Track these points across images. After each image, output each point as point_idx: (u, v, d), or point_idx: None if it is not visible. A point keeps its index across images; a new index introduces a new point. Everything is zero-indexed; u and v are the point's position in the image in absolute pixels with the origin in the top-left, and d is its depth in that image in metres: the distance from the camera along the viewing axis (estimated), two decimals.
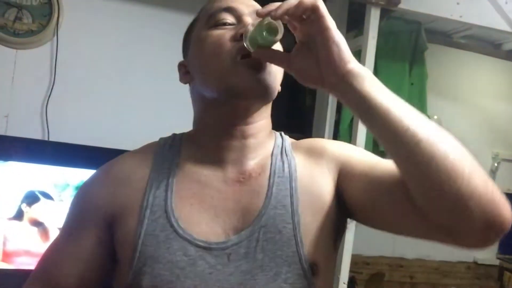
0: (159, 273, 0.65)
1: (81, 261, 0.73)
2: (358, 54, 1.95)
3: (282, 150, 0.77)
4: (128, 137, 1.99)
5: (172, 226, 0.68)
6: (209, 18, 0.75)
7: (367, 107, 0.61)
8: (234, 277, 0.66)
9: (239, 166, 0.74)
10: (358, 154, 0.77)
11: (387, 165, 0.68)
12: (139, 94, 2.08)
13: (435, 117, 2.77)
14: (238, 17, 0.73)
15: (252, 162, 0.75)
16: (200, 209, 0.70)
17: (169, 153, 0.77)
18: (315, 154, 0.77)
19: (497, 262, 2.98)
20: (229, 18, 0.73)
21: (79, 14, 1.99)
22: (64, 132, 1.93)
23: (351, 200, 0.72)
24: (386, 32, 2.20)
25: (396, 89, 2.28)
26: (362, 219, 0.74)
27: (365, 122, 0.63)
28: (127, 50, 2.07)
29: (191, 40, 0.80)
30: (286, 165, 0.75)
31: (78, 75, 2.00)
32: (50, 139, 1.92)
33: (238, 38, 0.69)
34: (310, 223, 0.70)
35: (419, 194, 0.58)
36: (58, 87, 1.95)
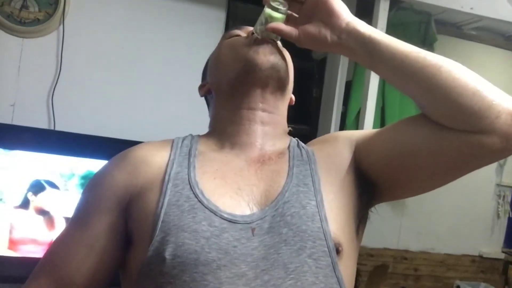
0: (184, 242, 0.63)
1: (93, 250, 0.70)
2: None
3: (298, 144, 0.80)
4: (134, 127, 2.00)
5: (196, 196, 0.67)
6: (223, 37, 0.85)
7: (373, 44, 0.69)
8: (258, 251, 0.65)
9: (259, 149, 0.76)
10: (370, 130, 0.83)
11: (397, 122, 0.75)
12: (145, 84, 2.07)
13: None
14: (249, 32, 0.81)
15: (271, 148, 0.77)
16: (223, 184, 0.70)
17: (188, 142, 0.78)
18: (329, 142, 0.81)
19: (502, 255, 2.97)
20: (241, 33, 0.83)
21: (85, 3, 1.98)
22: (70, 122, 1.93)
23: (376, 161, 0.74)
24: (395, 23, 2.17)
25: None
26: (389, 185, 0.75)
27: (373, 60, 0.71)
28: (133, 39, 2.06)
29: (211, 56, 0.87)
30: (304, 152, 0.78)
31: (84, 64, 1.99)
32: (56, 128, 1.93)
33: (250, 36, 0.78)
34: (332, 200, 0.71)
35: (440, 102, 0.65)
36: (64, 76, 1.94)
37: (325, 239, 0.67)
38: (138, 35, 2.06)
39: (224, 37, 0.85)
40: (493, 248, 2.98)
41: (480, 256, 2.96)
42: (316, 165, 0.75)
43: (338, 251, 0.67)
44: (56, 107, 1.94)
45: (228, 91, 0.79)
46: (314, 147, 0.80)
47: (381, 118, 2.30)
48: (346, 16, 0.72)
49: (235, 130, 0.77)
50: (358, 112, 2.15)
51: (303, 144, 0.81)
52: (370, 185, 0.75)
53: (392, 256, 2.82)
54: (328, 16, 0.72)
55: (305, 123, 2.29)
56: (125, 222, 0.71)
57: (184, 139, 0.79)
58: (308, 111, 2.36)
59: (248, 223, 0.66)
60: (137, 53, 2.06)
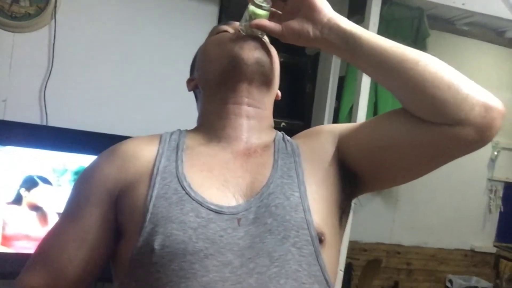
0: (172, 232, 0.65)
1: (84, 242, 0.72)
2: None
3: (284, 138, 0.83)
4: (127, 123, 2.00)
5: (184, 189, 0.69)
6: (211, 33, 0.87)
7: (354, 38, 0.72)
8: (243, 240, 0.67)
9: (245, 143, 0.78)
10: (354, 123, 0.85)
11: (379, 115, 0.78)
12: (138, 79, 2.07)
13: None
14: (236, 28, 0.82)
15: (257, 141, 0.79)
16: (210, 176, 0.72)
17: (176, 136, 0.80)
18: (313, 135, 0.83)
19: (493, 250, 3.01)
20: (228, 28, 0.84)
21: None
22: (62, 117, 1.92)
23: (357, 153, 0.77)
24: (387, 19, 2.17)
25: None
26: (371, 177, 0.78)
27: (354, 54, 0.73)
28: (126, 34, 2.05)
29: (198, 52, 0.89)
30: (288, 145, 0.80)
31: (77, 59, 1.98)
32: (49, 124, 1.92)
33: (237, 32, 0.80)
34: (315, 192, 0.74)
35: (416, 96, 0.68)
36: (57, 71, 1.93)
37: (308, 229, 0.69)
38: (131, 30, 2.05)
39: (211, 33, 0.87)
40: (485, 242, 3.02)
41: (472, 250, 3.00)
42: (300, 158, 0.77)
43: (320, 240, 0.70)
44: (48, 103, 1.93)
45: (214, 86, 0.81)
46: (299, 140, 0.82)
47: (374, 114, 2.31)
48: (328, 11, 0.75)
49: (222, 124, 0.79)
50: (351, 108, 2.15)
51: (288, 138, 0.83)
52: (352, 176, 0.78)
53: (385, 250, 2.85)
54: (310, 12, 0.74)
55: (298, 118, 2.29)
56: (116, 214, 0.73)
57: (172, 133, 0.81)
58: (301, 106, 2.36)
59: (234, 214, 0.69)
60: (129, 48, 2.05)
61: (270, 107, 0.85)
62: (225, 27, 0.85)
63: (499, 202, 3.01)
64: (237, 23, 0.83)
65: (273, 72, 0.82)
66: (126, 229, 0.71)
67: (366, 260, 2.74)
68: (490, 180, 2.99)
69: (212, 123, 0.80)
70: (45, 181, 1.75)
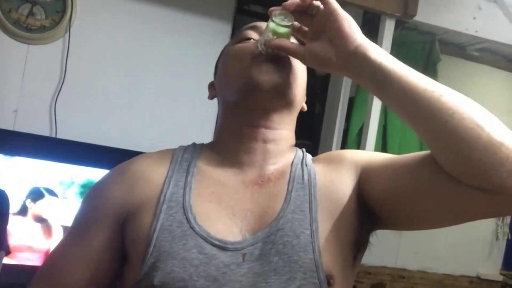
0: (173, 270, 0.63)
1: (91, 263, 0.71)
2: None
3: (303, 161, 0.77)
4: (137, 137, 2.00)
5: (189, 222, 0.67)
6: (236, 36, 0.81)
7: (383, 74, 0.63)
8: (246, 278, 0.64)
9: (259, 169, 0.74)
10: (377, 154, 0.78)
11: (408, 154, 0.70)
12: (149, 95, 2.08)
13: None
14: (262, 34, 0.75)
15: (272, 168, 0.75)
16: (217, 208, 0.69)
17: (189, 155, 0.77)
18: (333, 163, 0.77)
19: (500, 277, 2.96)
20: (253, 35, 0.78)
21: (92, 12, 1.99)
22: (72, 130, 1.93)
23: (378, 195, 0.71)
24: (399, 42, 2.18)
25: None
26: (390, 218, 0.72)
27: (381, 90, 0.65)
28: (138, 49, 2.06)
29: (220, 58, 0.84)
30: (305, 173, 0.74)
31: (89, 73, 2.00)
32: (58, 136, 1.92)
33: (261, 45, 0.75)
34: (328, 230, 0.69)
35: (449, 153, 0.59)
36: (68, 84, 1.95)
37: (317, 271, 0.65)
38: (144, 46, 2.06)
39: (235, 38, 0.81)
40: (491, 270, 2.97)
41: (478, 278, 2.95)
42: (316, 190, 0.72)
43: (329, 284, 0.65)
44: (58, 115, 1.94)
45: (231, 104, 0.77)
46: (318, 166, 0.77)
47: (383, 137, 2.30)
48: (357, 37, 0.66)
49: (236, 148, 0.75)
50: (360, 129, 2.15)
51: (307, 160, 0.78)
52: (371, 214, 0.73)
53: (389, 274, 2.80)
54: (337, 36, 0.67)
55: (307, 138, 2.29)
56: (122, 238, 0.71)
57: (185, 150, 0.78)
58: (310, 126, 2.36)
59: (238, 250, 0.66)
60: (142, 63, 2.07)
61: (292, 126, 0.80)
62: (250, 34, 0.78)
63: (507, 229, 2.97)
64: (264, 24, 0.76)
65: (294, 93, 0.75)
66: (130, 256, 0.70)
67: (370, 284, 2.70)
68: None
69: (227, 145, 0.77)
70: (52, 193, 1.75)
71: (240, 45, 0.77)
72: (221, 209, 0.69)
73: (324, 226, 0.69)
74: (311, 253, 0.65)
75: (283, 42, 0.71)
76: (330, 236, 0.68)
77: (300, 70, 0.77)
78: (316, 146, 2.30)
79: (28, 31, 1.90)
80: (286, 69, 0.73)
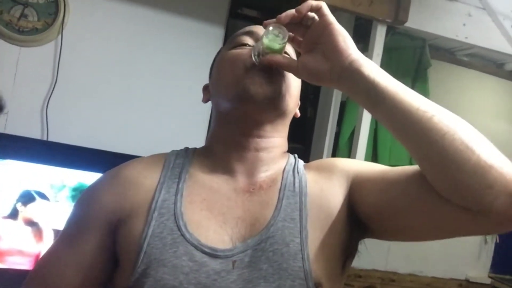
0: (163, 277, 0.64)
1: (82, 268, 0.72)
2: None
3: (294, 168, 0.78)
4: (128, 141, 2.00)
5: (179, 229, 0.68)
6: (230, 41, 0.80)
7: (377, 91, 0.63)
8: (236, 285, 0.65)
9: (250, 177, 0.75)
10: (369, 165, 0.78)
11: (399, 168, 0.70)
12: (141, 98, 2.07)
13: None
14: (257, 40, 0.76)
15: (264, 175, 0.76)
16: (208, 215, 0.70)
17: (181, 161, 0.77)
18: (325, 171, 0.78)
19: (488, 280, 2.99)
20: (249, 40, 0.77)
21: (85, 15, 1.98)
22: (63, 133, 1.92)
23: (367, 207, 0.72)
24: (390, 48, 2.20)
25: None
26: (379, 229, 0.73)
27: (374, 107, 0.65)
28: (131, 53, 2.06)
29: (215, 62, 0.83)
30: (297, 181, 0.75)
31: (81, 76, 1.99)
32: (49, 139, 1.91)
33: (255, 54, 0.74)
34: (318, 239, 0.70)
35: (438, 173, 0.60)
36: (60, 87, 1.94)
37: (305, 279, 0.66)
38: (137, 49, 2.06)
39: (230, 43, 0.80)
40: (480, 273, 3.00)
41: (467, 281, 2.98)
42: (307, 198, 0.73)
43: None
44: (50, 118, 1.92)
45: (223, 112, 0.77)
46: (310, 174, 0.78)
47: (374, 140, 2.32)
48: (351, 52, 0.66)
49: (227, 156, 0.76)
50: (351, 132, 2.17)
51: (299, 168, 0.78)
52: (361, 224, 0.74)
53: (380, 277, 2.82)
54: (331, 51, 0.67)
55: (298, 142, 2.30)
56: (113, 243, 0.72)
57: (177, 156, 0.79)
58: (302, 130, 2.38)
59: (229, 257, 0.67)
60: (134, 67, 2.06)
61: (285, 133, 0.81)
62: (245, 39, 0.78)
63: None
64: (260, 31, 0.76)
65: (287, 103, 0.75)
66: (121, 261, 0.71)
67: (361, 287, 2.71)
68: None
69: (219, 152, 0.77)
70: (43, 196, 1.74)
71: (234, 51, 0.77)
72: (212, 217, 0.70)
73: (314, 235, 0.70)
74: (300, 261, 0.66)
75: (275, 58, 0.71)
76: (319, 244, 0.69)
77: (293, 79, 0.76)
78: (308, 150, 2.32)
79: (20, 33, 1.88)
80: (278, 81, 0.73)
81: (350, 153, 2.02)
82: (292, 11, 0.69)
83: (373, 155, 2.31)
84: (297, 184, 0.75)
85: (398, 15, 1.78)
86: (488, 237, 3.00)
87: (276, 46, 0.70)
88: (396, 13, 1.79)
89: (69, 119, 1.98)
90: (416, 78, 2.40)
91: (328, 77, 0.68)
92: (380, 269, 2.82)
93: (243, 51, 0.75)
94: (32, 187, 1.73)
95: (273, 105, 0.73)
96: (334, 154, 2.23)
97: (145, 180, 0.74)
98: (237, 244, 0.68)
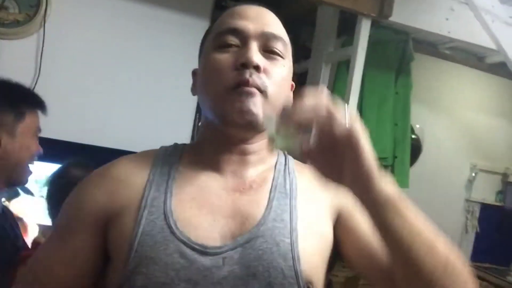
0: (154, 275, 0.65)
1: (74, 265, 0.72)
2: (347, 64, 1.97)
3: (286, 168, 0.78)
4: (113, 134, 1.98)
5: (170, 227, 0.68)
6: (216, 37, 0.75)
7: (385, 212, 0.60)
8: (227, 281, 0.65)
9: (239, 177, 0.75)
10: (359, 213, 0.74)
11: (380, 243, 0.67)
12: (126, 91, 2.06)
13: (418, 126, 2.82)
14: (243, 40, 0.73)
15: (254, 174, 0.76)
16: (198, 213, 0.70)
17: (170, 158, 0.77)
18: (320, 184, 0.71)
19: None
20: (234, 40, 0.73)
21: (67, 7, 1.95)
22: (47, 127, 1.89)
23: (342, 250, 0.75)
24: (374, 41, 2.22)
25: (382, 98, 2.30)
26: (344, 259, 0.77)
27: (379, 224, 0.61)
28: (115, 45, 2.04)
29: (203, 51, 0.80)
30: (288, 182, 0.76)
31: (64, 69, 1.96)
32: None
33: (238, 67, 0.70)
34: (307, 241, 0.70)
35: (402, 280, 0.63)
36: (43, 80, 1.91)
37: (296, 278, 0.67)
38: (121, 42, 2.04)
39: (216, 39, 0.75)
40: None
41: None
42: (297, 201, 0.73)
43: None
44: None
45: (208, 118, 0.76)
46: (302, 177, 0.77)
47: None
48: (364, 164, 0.58)
49: (216, 158, 0.75)
50: None
51: (290, 167, 0.78)
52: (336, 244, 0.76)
53: None
54: (354, 174, 0.59)
55: None
56: (104, 240, 0.72)
57: (166, 153, 0.78)
58: None
59: (218, 254, 0.67)
60: (118, 59, 2.05)
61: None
62: (230, 40, 0.73)
63: (476, 222, 3.08)
64: (246, 25, 0.72)
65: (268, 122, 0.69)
66: (113, 259, 0.71)
67: (345, 277, 2.75)
68: (467, 200, 3.06)
69: (208, 151, 0.77)
70: (27, 191, 1.72)
71: (219, 58, 0.72)
72: (202, 215, 0.70)
73: (304, 237, 0.70)
74: (291, 260, 0.67)
75: (291, 149, 0.63)
76: (308, 246, 0.70)
77: (279, 97, 0.72)
78: None
79: (1, 26, 1.85)
80: (260, 103, 0.70)
81: None
82: (292, 116, 0.57)
83: None
84: (288, 186, 0.75)
85: (383, 9, 1.80)
86: (469, 227, 3.07)
87: (291, 144, 0.60)
88: (380, 8, 1.81)
89: (52, 114, 1.93)
90: (400, 71, 2.43)
91: (335, 181, 0.61)
92: None
93: (227, 62, 0.71)
94: None
95: (256, 128, 0.71)
96: None
97: (134, 178, 0.73)
98: (226, 241, 0.68)
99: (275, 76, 0.72)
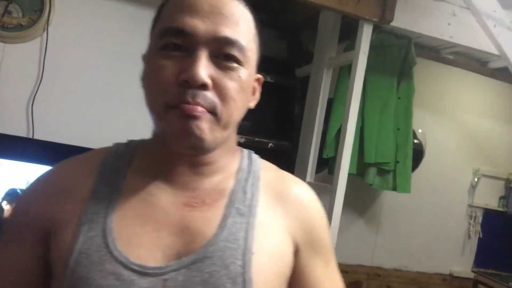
0: None
1: (21, 274, 0.68)
2: (349, 69, 1.97)
3: (248, 178, 0.72)
4: (114, 138, 1.98)
5: (107, 246, 0.62)
6: (160, 35, 0.66)
7: None
8: None
9: (192, 190, 0.68)
10: (324, 256, 0.75)
11: None
12: (127, 96, 2.06)
13: (420, 131, 2.82)
14: (190, 46, 0.63)
15: (209, 186, 0.69)
16: (141, 230, 0.64)
17: (119, 163, 0.71)
18: (284, 201, 0.72)
19: (472, 275, 3.05)
20: (181, 42, 0.64)
21: (70, 11, 1.97)
22: (49, 130, 1.90)
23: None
24: (376, 46, 2.22)
25: (384, 103, 2.30)
26: None
27: None
28: (117, 49, 2.05)
29: (151, 38, 0.72)
30: (248, 196, 0.69)
31: (67, 73, 1.97)
32: (35, 137, 1.89)
33: (180, 82, 0.62)
34: (263, 263, 0.65)
35: None
36: (46, 84, 1.92)
37: None
38: (124, 46, 2.05)
39: (160, 37, 0.66)
40: (463, 268, 3.06)
41: (451, 275, 3.03)
42: (255, 220, 0.67)
43: None
44: (35, 115, 1.91)
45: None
46: (267, 192, 0.72)
47: (360, 138, 2.34)
48: None
49: (168, 165, 0.69)
50: (338, 130, 2.19)
51: (255, 177, 0.72)
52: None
53: (365, 273, 2.86)
54: None
55: (285, 139, 2.31)
56: (47, 252, 0.67)
57: (115, 155, 0.72)
58: (289, 127, 2.39)
59: (159, 275, 0.61)
60: (121, 63, 2.05)
61: (231, 138, 0.72)
62: (176, 40, 0.64)
63: (478, 228, 3.06)
64: (194, 25, 0.62)
65: (222, 137, 0.66)
66: (53, 276, 0.66)
67: (347, 282, 2.75)
68: (470, 206, 3.05)
69: (159, 157, 0.70)
70: None
71: (162, 65, 0.64)
72: (145, 233, 0.64)
73: (260, 259, 0.65)
74: (241, 284, 0.62)
75: None
76: (264, 269, 0.65)
77: (233, 112, 0.65)
78: (295, 146, 2.33)
79: (4, 30, 1.86)
80: (208, 125, 0.63)
81: (336, 150, 2.04)
82: None
83: (360, 152, 2.33)
84: (247, 201, 0.69)
85: (384, 14, 1.80)
86: (472, 232, 3.05)
87: None
88: (382, 13, 1.81)
89: (54, 117, 1.96)
90: (402, 76, 2.43)
91: None
92: (366, 264, 2.86)
93: (170, 72, 0.63)
94: (17, 186, 1.71)
95: (202, 151, 0.66)
96: (321, 151, 2.25)
97: (76, 187, 0.68)
98: (170, 262, 0.63)
99: (227, 91, 0.64)
